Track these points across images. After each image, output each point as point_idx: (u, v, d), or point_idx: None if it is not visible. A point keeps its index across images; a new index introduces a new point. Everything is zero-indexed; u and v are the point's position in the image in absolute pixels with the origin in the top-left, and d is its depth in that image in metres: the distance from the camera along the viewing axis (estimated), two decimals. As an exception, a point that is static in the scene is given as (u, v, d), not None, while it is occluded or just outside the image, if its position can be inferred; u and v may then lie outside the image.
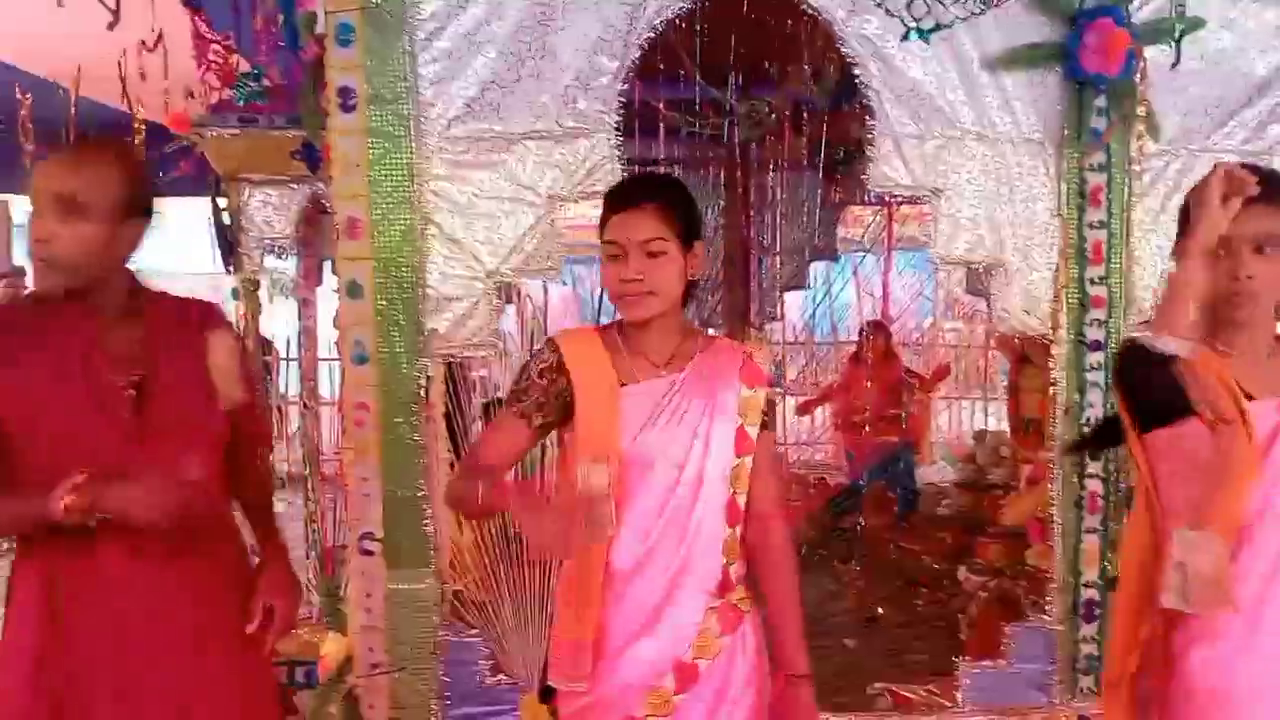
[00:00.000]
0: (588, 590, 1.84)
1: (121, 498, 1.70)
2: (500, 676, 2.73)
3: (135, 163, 1.93)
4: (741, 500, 1.90)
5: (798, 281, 6.64)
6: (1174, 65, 2.70)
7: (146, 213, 1.87)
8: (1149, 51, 2.68)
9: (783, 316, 6.54)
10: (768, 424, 1.95)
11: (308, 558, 3.92)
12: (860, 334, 6.36)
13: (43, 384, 1.77)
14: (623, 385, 1.86)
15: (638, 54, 2.63)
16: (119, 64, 4.03)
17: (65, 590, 1.79)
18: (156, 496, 1.71)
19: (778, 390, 1.97)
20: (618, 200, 1.88)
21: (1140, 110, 2.71)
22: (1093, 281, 2.77)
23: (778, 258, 6.39)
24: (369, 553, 2.61)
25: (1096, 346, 2.78)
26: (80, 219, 1.75)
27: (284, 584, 1.98)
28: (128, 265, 1.87)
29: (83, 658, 1.78)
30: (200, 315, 1.95)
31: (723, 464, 1.88)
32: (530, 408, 1.89)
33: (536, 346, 1.97)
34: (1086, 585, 2.80)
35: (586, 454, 1.77)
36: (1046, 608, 2.85)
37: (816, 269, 6.79)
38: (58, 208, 1.75)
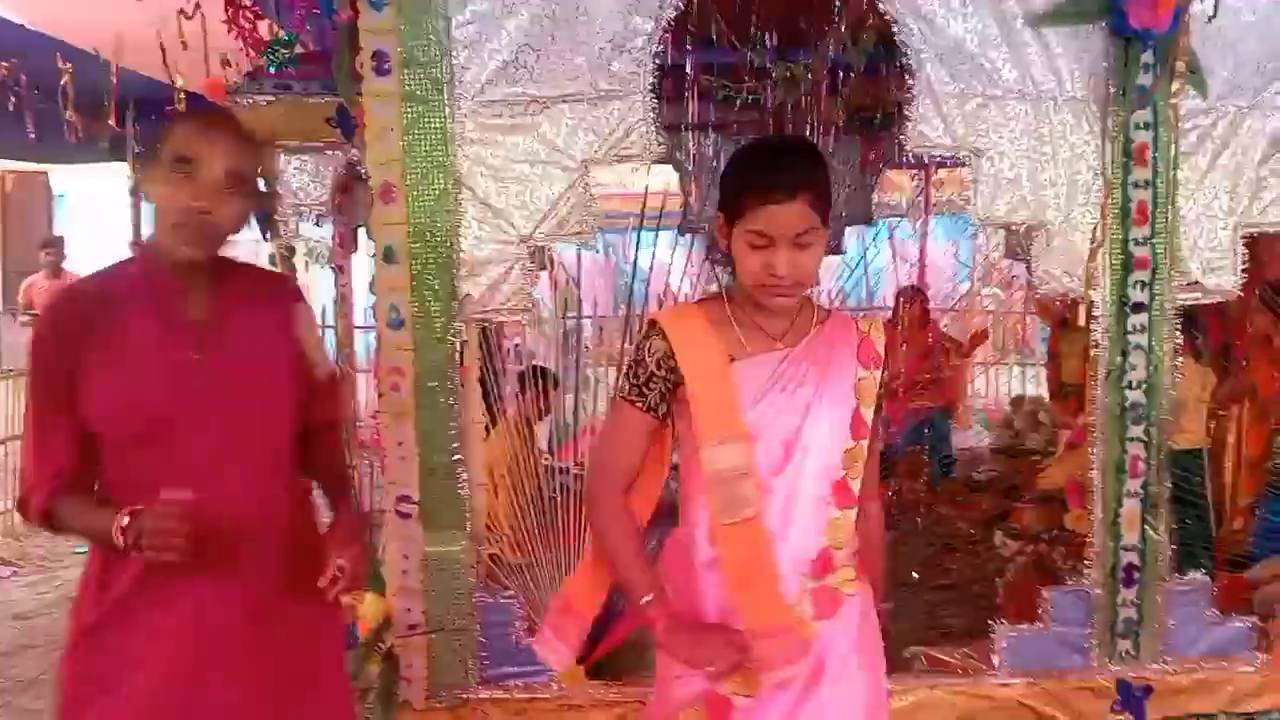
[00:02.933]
0: (765, 570, 1.77)
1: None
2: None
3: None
4: (855, 484, 1.83)
5: (834, 247, 6.56)
6: (1211, 19, 2.63)
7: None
8: (1196, 6, 2.61)
9: (818, 282, 6.49)
10: (880, 407, 1.88)
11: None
12: (896, 299, 6.31)
13: (123, 350, 1.78)
14: (733, 360, 1.78)
15: (672, 15, 2.60)
16: (158, 33, 4.04)
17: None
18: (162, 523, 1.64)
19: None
20: (771, 189, 1.69)
21: (1184, 65, 2.64)
22: (1137, 242, 2.73)
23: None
24: (406, 516, 2.64)
25: (1139, 309, 2.74)
26: (240, 194, 1.79)
27: (351, 544, 1.89)
28: None
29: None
30: (283, 288, 2.01)
31: (834, 445, 1.81)
32: (655, 400, 1.81)
33: (640, 333, 1.88)
34: (1126, 549, 2.78)
35: (711, 437, 1.76)
36: (1085, 572, 2.84)
37: (852, 234, 6.71)
38: (228, 183, 1.76)
